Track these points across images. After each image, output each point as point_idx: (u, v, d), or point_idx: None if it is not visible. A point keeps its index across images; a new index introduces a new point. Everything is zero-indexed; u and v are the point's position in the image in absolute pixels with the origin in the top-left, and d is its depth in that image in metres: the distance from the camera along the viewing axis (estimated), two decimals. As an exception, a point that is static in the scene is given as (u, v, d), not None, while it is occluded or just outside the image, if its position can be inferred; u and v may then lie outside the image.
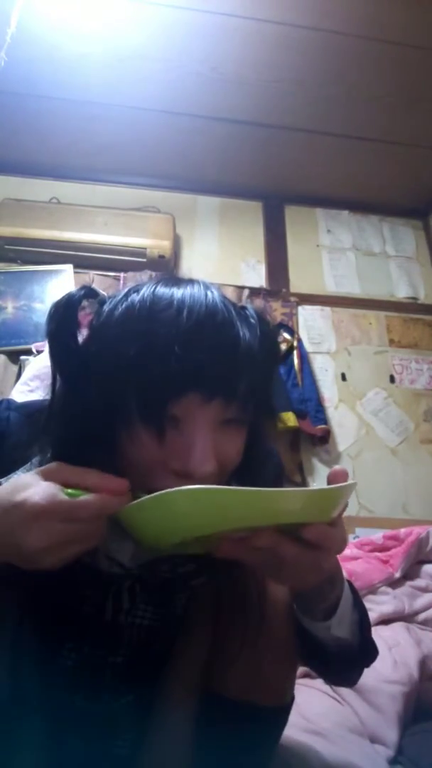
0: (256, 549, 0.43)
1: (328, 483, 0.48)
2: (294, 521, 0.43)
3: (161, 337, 0.46)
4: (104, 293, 0.55)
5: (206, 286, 0.52)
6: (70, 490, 0.43)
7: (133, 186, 2.56)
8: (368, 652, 0.61)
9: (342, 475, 0.48)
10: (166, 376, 0.46)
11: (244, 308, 0.55)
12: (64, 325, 0.52)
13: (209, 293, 0.51)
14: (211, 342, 0.47)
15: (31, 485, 0.42)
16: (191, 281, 0.53)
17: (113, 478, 0.45)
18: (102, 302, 0.53)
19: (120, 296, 0.52)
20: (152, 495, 0.42)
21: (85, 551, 0.44)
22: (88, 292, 0.54)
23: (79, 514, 0.42)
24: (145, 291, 0.51)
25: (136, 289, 0.52)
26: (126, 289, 0.53)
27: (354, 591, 0.59)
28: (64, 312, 0.52)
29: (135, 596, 0.55)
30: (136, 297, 0.50)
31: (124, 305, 0.50)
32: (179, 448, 0.48)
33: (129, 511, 0.44)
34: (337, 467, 0.49)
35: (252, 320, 0.53)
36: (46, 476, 0.44)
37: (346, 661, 0.60)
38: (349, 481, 0.47)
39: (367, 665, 0.64)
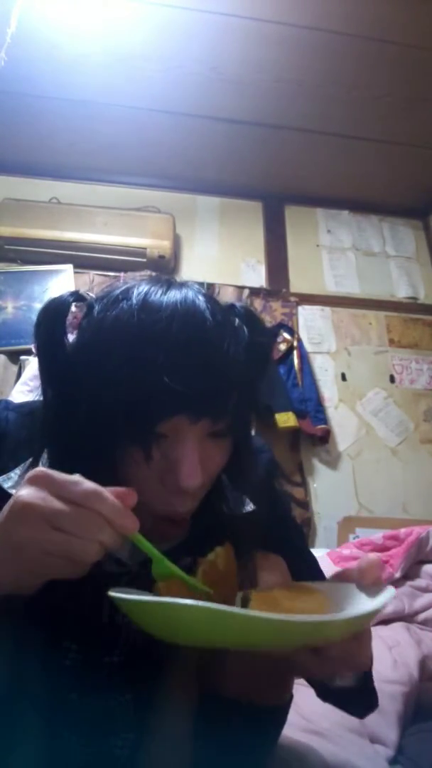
0: None
1: (360, 573, 0.46)
2: (320, 643, 0.42)
3: (148, 360, 0.46)
4: (92, 295, 0.54)
5: (195, 293, 0.50)
6: None
7: (133, 186, 2.56)
8: (368, 700, 0.62)
9: (375, 568, 0.46)
10: (154, 400, 0.46)
11: (233, 309, 0.54)
12: (51, 333, 0.51)
13: (198, 302, 0.49)
14: (199, 364, 0.47)
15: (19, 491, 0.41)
16: (180, 286, 0.51)
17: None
18: (91, 306, 0.52)
19: (110, 301, 0.50)
20: (162, 601, 0.39)
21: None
22: (76, 298, 0.53)
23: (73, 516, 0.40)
24: (134, 300, 0.49)
25: (125, 295, 0.50)
26: (116, 292, 0.51)
27: None
28: (52, 319, 0.51)
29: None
30: (125, 305, 0.49)
31: (113, 314, 0.49)
32: (167, 464, 0.48)
33: (129, 607, 0.41)
34: (371, 557, 0.47)
35: (242, 326, 0.53)
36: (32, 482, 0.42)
37: (344, 702, 0.60)
38: (388, 590, 0.44)
39: (362, 715, 0.64)
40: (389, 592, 0.43)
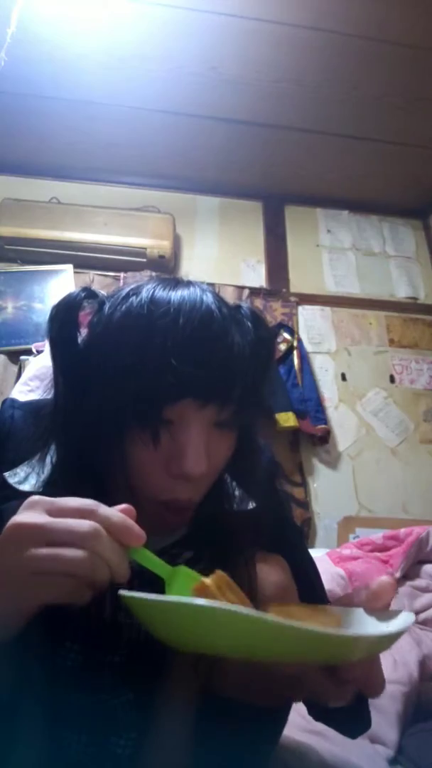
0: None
1: (373, 595, 0.44)
2: (339, 662, 0.39)
3: (157, 347, 0.47)
4: (103, 293, 0.56)
5: (203, 290, 0.52)
6: None
7: (133, 186, 2.57)
8: (362, 721, 0.61)
9: (389, 592, 0.44)
10: (161, 385, 0.47)
11: (239, 309, 0.56)
12: (64, 327, 0.53)
13: (205, 298, 0.51)
14: (206, 351, 0.48)
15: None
16: (188, 284, 0.53)
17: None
18: (102, 303, 0.54)
19: (120, 297, 0.52)
20: (185, 601, 0.34)
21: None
22: (88, 294, 0.54)
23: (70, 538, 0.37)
24: (143, 295, 0.51)
25: (135, 291, 0.52)
26: (126, 290, 0.53)
27: None
28: (65, 315, 0.53)
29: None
30: (134, 300, 0.51)
31: (123, 308, 0.51)
32: (173, 451, 0.49)
33: (134, 603, 0.38)
34: (385, 579, 0.45)
35: (247, 323, 0.54)
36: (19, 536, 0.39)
37: (337, 723, 0.61)
38: (406, 614, 0.41)
39: (355, 735, 0.64)
40: (409, 616, 0.41)
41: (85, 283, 2.26)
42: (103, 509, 0.39)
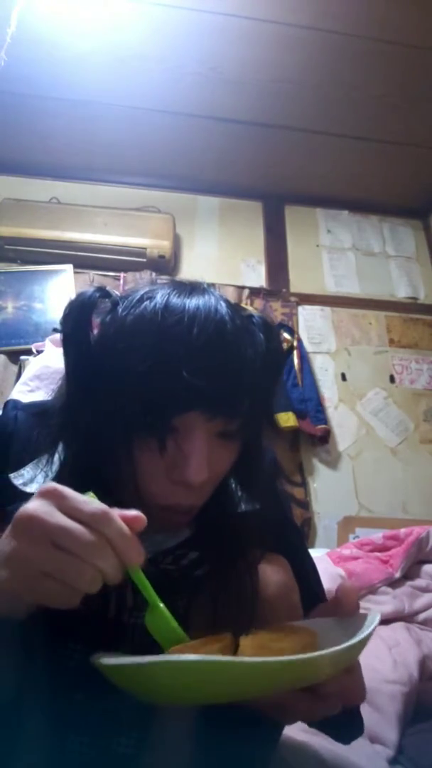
0: None
1: (336, 603, 0.45)
2: (312, 683, 0.40)
3: (169, 356, 0.47)
4: (117, 293, 0.55)
5: (217, 299, 0.52)
6: None
7: (133, 186, 2.57)
8: (354, 727, 0.61)
9: (351, 595, 0.45)
10: (171, 395, 0.47)
11: (251, 318, 0.55)
12: (78, 327, 0.52)
13: (219, 307, 0.51)
14: (218, 363, 0.48)
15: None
16: (204, 291, 0.53)
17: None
18: (115, 303, 0.53)
19: (134, 300, 0.52)
20: (132, 662, 0.37)
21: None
22: (103, 294, 0.54)
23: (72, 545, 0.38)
24: (158, 300, 0.50)
25: (150, 295, 0.51)
26: (141, 292, 0.53)
27: None
28: (79, 314, 0.52)
29: (138, 594, 0.55)
30: (148, 305, 0.50)
31: (136, 312, 0.50)
32: (176, 458, 0.49)
33: (104, 667, 0.39)
34: (344, 585, 0.46)
35: (259, 335, 0.54)
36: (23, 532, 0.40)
37: (329, 729, 0.61)
38: (372, 617, 0.42)
39: (347, 741, 0.64)
40: (374, 619, 0.42)
41: (85, 282, 2.26)
42: (116, 524, 0.38)
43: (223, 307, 0.51)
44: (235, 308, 0.53)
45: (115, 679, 0.40)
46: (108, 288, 0.55)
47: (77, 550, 0.37)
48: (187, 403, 0.48)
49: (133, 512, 0.40)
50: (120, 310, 0.52)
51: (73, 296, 0.55)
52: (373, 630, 0.41)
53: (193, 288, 0.53)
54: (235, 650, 0.44)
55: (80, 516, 0.38)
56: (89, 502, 0.39)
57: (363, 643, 0.40)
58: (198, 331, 0.48)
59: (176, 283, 0.54)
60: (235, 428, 0.51)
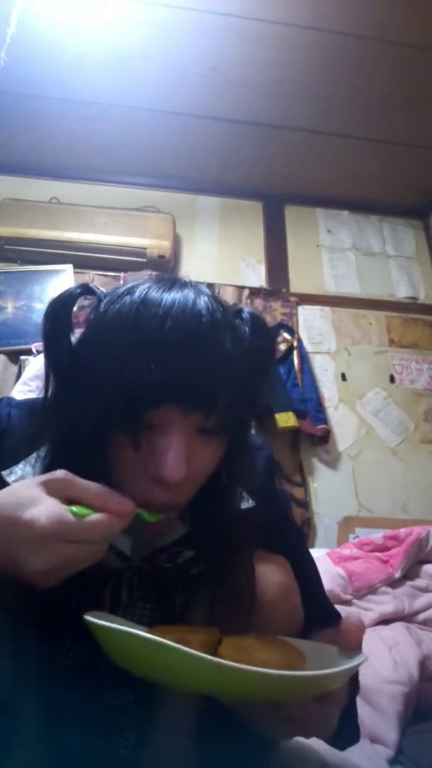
0: None
1: (341, 635, 0.45)
2: (277, 701, 0.40)
3: (141, 350, 0.46)
4: (103, 290, 0.55)
5: (198, 292, 0.51)
6: (74, 508, 0.42)
7: (133, 186, 2.57)
8: (350, 734, 0.61)
9: (358, 632, 0.45)
10: (143, 388, 0.46)
11: (239, 312, 0.55)
12: (57, 324, 0.52)
13: (198, 300, 0.50)
14: (190, 357, 0.47)
15: (36, 501, 0.42)
16: (184, 285, 0.52)
17: (118, 499, 0.45)
18: (99, 300, 0.53)
19: (115, 296, 0.52)
20: (103, 624, 0.39)
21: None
22: (85, 290, 0.54)
23: (86, 535, 0.42)
24: (136, 295, 0.50)
25: (129, 291, 0.51)
26: (123, 288, 0.52)
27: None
28: (60, 311, 0.52)
29: (133, 591, 0.55)
30: (127, 300, 0.50)
31: (115, 308, 0.50)
32: (153, 454, 0.48)
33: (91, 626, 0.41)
34: (353, 619, 0.46)
35: (243, 329, 0.53)
36: (51, 490, 0.43)
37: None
38: (359, 657, 0.41)
39: (343, 747, 0.64)
40: (359, 658, 0.41)
41: (85, 282, 2.26)
42: (112, 526, 0.44)
43: (201, 301, 0.50)
44: (218, 303, 0.52)
45: (96, 636, 0.42)
46: (92, 285, 0.55)
47: (87, 546, 0.43)
48: (158, 397, 0.47)
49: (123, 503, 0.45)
50: (102, 306, 0.52)
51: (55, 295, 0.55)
52: (351, 670, 0.40)
53: (173, 282, 0.52)
54: (217, 647, 0.44)
55: (89, 528, 0.43)
56: (98, 521, 0.43)
57: (331, 677, 0.39)
58: (171, 325, 0.47)
59: (159, 279, 0.53)
60: (215, 424, 0.50)
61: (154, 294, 0.49)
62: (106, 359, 0.48)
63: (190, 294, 0.50)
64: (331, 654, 0.45)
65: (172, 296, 0.49)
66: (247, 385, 0.52)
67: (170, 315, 0.47)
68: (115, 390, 0.47)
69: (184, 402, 0.48)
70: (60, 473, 0.45)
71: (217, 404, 0.49)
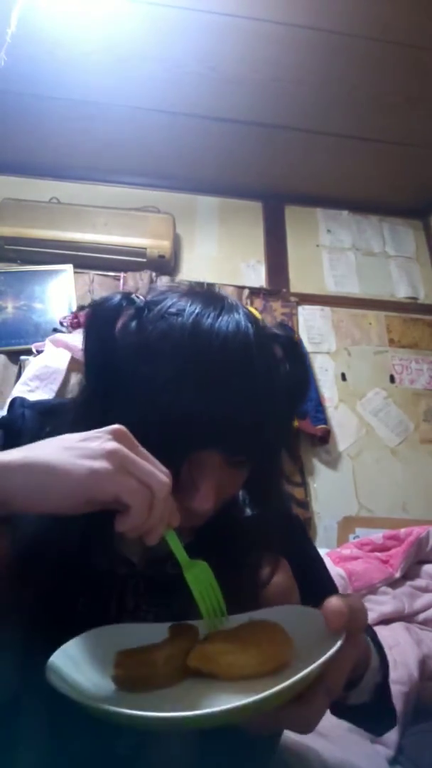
0: None
1: (326, 622, 0.39)
2: (253, 716, 0.37)
3: (196, 389, 0.46)
4: (142, 298, 0.53)
5: (246, 322, 0.49)
6: None
7: (133, 186, 2.56)
8: (386, 718, 0.61)
9: (335, 617, 0.39)
10: (191, 432, 0.46)
11: (276, 338, 0.53)
12: (101, 334, 0.51)
13: (248, 331, 0.48)
14: (244, 401, 0.46)
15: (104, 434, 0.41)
16: (231, 309, 0.50)
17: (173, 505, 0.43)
18: (140, 309, 0.52)
19: (162, 312, 0.50)
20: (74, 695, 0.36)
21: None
22: (127, 301, 0.52)
23: (147, 474, 0.40)
24: (186, 318, 0.48)
25: (178, 312, 0.49)
26: (168, 303, 0.50)
27: (380, 649, 0.58)
28: (103, 321, 0.51)
29: (139, 597, 0.55)
30: (176, 322, 0.48)
31: (164, 328, 0.48)
32: (185, 484, 0.48)
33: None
34: (333, 604, 0.39)
35: (284, 360, 0.52)
36: (116, 439, 0.42)
37: (360, 720, 0.61)
38: (332, 650, 0.36)
39: (380, 733, 0.63)
40: (331, 650, 0.36)
41: (85, 282, 2.26)
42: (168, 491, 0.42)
43: (250, 332, 0.49)
44: (261, 331, 0.51)
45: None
46: (133, 295, 0.53)
47: (151, 481, 0.40)
48: (205, 442, 0.47)
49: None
50: (145, 320, 0.50)
51: (97, 299, 0.53)
52: (314, 669, 0.35)
53: (222, 308, 0.50)
54: (186, 656, 0.43)
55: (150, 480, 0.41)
56: (156, 473, 0.42)
57: (292, 688, 0.34)
58: (226, 361, 0.46)
59: (204, 298, 0.51)
60: (249, 458, 0.50)
61: (206, 321, 0.48)
62: (155, 388, 0.46)
63: (240, 324, 0.49)
64: (316, 625, 0.41)
65: (224, 327, 0.48)
66: (287, 420, 0.52)
67: (227, 349, 0.47)
68: (162, 426, 0.46)
69: (228, 449, 0.48)
70: (121, 428, 0.43)
71: (258, 446, 0.49)
